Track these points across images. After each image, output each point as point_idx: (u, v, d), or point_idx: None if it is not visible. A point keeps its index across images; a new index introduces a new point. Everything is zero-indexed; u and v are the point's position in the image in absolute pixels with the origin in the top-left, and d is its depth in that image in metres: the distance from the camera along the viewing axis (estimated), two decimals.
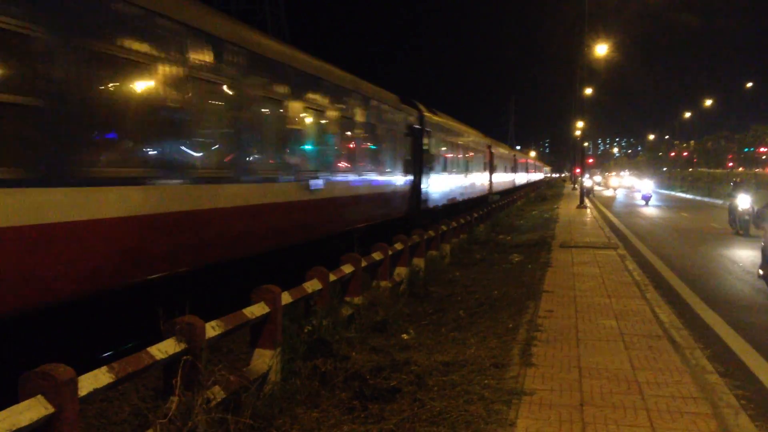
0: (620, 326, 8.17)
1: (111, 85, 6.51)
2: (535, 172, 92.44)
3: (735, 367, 6.89)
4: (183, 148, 7.70)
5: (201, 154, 8.16)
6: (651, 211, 35.41)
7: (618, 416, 5.20)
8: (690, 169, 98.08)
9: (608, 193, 64.48)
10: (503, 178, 48.16)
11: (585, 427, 4.98)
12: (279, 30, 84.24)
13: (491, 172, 38.53)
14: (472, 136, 31.43)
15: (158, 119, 7.19)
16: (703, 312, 9.56)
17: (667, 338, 7.61)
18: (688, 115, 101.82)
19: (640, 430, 4.94)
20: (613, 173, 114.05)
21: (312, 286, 7.20)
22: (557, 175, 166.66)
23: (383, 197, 16.18)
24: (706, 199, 48.34)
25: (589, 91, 51.03)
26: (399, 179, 17.64)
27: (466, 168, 28.75)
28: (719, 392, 5.77)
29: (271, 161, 10.16)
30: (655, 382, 6.01)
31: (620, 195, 58.42)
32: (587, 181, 65.05)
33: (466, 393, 5.65)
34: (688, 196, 55.28)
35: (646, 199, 41.84)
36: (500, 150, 46.25)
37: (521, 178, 67.03)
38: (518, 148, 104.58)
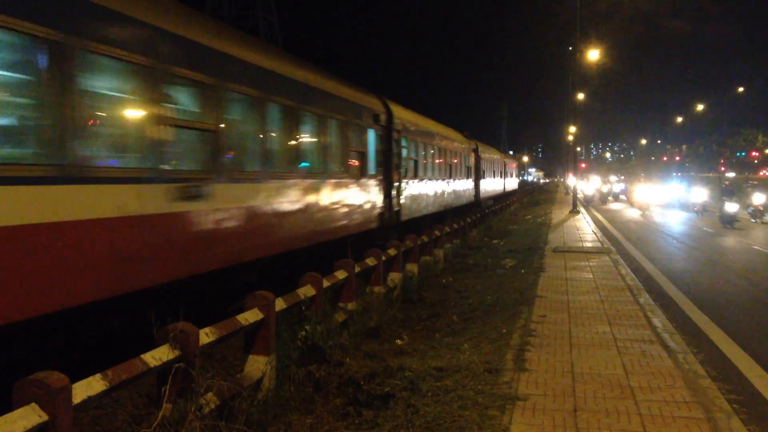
0: (613, 331, 8.19)
1: None
2: (529, 177, 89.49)
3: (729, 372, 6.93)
4: None
5: None
6: None
7: (611, 421, 5.21)
8: None
9: (632, 212, 37.41)
10: (493, 185, 42.61)
11: None
12: (272, 36, 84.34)
13: (478, 179, 34.28)
14: (453, 139, 27.69)
15: None
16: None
17: (659, 343, 7.64)
18: (680, 120, 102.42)
19: None
20: (636, 178, 61.45)
21: (305, 292, 7.21)
22: (550, 180, 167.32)
23: (329, 211, 12.19)
24: None
25: (581, 96, 51.30)
26: (354, 186, 13.68)
27: (447, 174, 25.27)
28: (712, 396, 5.79)
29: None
30: (648, 387, 6.03)
31: (683, 231, 26.64)
32: (588, 189, 50.53)
33: (460, 398, 5.66)
34: None
35: None
36: (489, 154, 41.37)
37: (512, 183, 60.20)
38: (511, 153, 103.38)
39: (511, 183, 59.25)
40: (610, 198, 50.71)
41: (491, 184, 41.45)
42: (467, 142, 31.94)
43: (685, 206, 38.81)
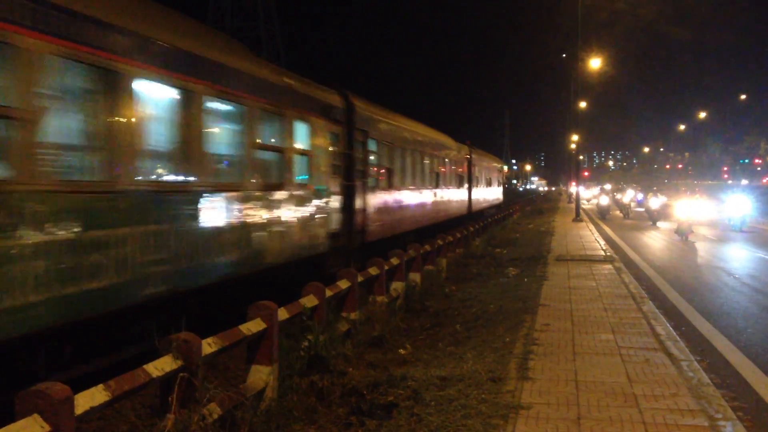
0: (617, 339, 8.18)
1: None
2: (532, 185, 72.55)
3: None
4: None
5: None
6: None
7: (615, 429, 5.19)
8: None
9: (658, 234, 27.34)
10: (443, 198, 24.37)
11: None
12: (274, 47, 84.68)
13: (357, 191, 14.37)
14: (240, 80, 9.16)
15: None
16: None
17: (663, 351, 7.62)
18: (682, 127, 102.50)
19: None
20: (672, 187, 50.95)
21: (308, 301, 7.20)
22: (553, 188, 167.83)
23: None
24: None
25: (583, 104, 51.29)
26: None
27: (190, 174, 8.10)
28: (716, 404, 5.77)
29: None
30: (651, 395, 6.01)
31: None
32: (603, 199, 43.27)
33: (463, 407, 5.65)
34: None
35: None
36: (406, 131, 19.39)
37: (488, 194, 39.47)
38: (513, 162, 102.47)
39: (488, 194, 39.57)
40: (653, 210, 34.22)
41: (430, 200, 22.13)
42: (321, 92, 12.69)
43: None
